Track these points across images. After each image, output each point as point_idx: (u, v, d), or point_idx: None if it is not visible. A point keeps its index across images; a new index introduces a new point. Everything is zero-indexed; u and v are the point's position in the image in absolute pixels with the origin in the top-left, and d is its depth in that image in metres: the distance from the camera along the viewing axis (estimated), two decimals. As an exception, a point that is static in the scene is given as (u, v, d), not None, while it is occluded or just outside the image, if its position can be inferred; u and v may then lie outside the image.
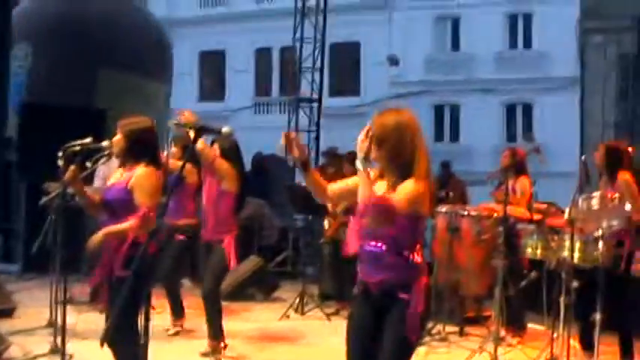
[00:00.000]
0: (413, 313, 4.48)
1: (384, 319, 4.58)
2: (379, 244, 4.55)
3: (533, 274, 8.73)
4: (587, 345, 7.79)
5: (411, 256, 4.55)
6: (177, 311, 9.30)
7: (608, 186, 7.97)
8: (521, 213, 8.70)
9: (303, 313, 10.85)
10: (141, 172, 5.69)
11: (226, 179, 7.91)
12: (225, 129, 4.63)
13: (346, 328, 4.77)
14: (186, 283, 11.59)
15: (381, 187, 4.59)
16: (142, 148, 5.79)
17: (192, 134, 5.29)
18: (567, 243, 7.47)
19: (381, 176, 4.65)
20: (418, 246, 4.61)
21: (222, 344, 8.07)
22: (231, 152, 8.06)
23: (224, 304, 8.35)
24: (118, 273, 5.50)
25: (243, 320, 10.31)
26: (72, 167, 5.83)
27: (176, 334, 9.23)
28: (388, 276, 4.55)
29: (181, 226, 8.88)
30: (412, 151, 4.52)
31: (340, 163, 12.31)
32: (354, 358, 4.68)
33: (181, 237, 8.91)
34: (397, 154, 4.52)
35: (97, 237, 5.49)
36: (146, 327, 4.09)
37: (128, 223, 5.43)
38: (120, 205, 5.66)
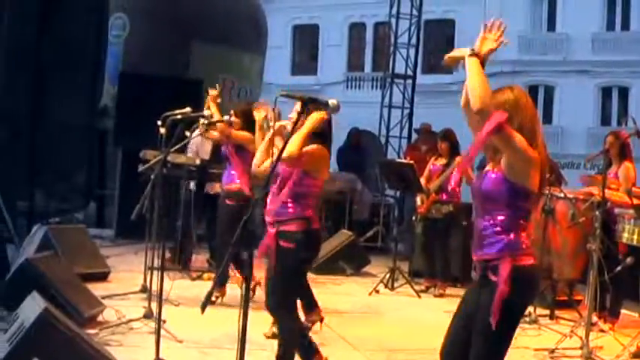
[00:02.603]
0: (496, 297, 4.11)
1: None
2: (486, 219, 4.25)
3: (629, 259, 8.55)
4: None
5: (510, 236, 4.19)
6: (221, 279, 8.88)
7: None
8: (619, 197, 8.51)
9: (392, 289, 10.83)
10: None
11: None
12: (332, 101, 4.66)
13: None
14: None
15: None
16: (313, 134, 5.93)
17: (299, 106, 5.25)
18: (666, 230, 7.31)
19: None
20: (523, 225, 4.24)
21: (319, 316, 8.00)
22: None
23: (313, 276, 8.23)
24: (283, 244, 5.80)
25: (333, 293, 10.31)
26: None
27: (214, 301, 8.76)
28: (482, 254, 4.27)
29: (232, 190, 8.81)
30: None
31: (433, 140, 12.22)
32: (447, 339, 4.45)
33: (230, 202, 8.84)
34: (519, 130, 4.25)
35: None
36: (246, 297, 4.08)
37: None
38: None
